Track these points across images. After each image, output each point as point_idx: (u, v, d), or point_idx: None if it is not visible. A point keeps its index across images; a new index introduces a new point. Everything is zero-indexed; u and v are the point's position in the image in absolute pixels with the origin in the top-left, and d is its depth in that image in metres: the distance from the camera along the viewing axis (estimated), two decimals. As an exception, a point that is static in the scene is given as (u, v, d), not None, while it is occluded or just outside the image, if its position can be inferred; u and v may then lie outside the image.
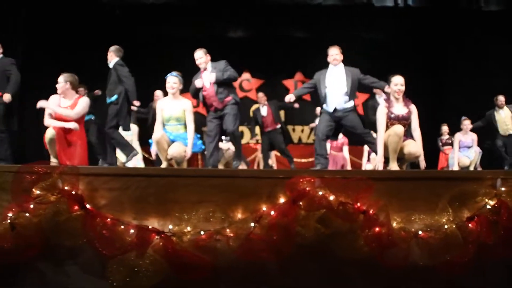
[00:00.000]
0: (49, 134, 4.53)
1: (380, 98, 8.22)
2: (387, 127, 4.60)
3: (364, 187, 3.15)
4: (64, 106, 4.78)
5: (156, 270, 3.02)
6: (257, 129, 8.99)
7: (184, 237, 3.01)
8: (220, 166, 7.11)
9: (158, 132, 4.83)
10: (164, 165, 4.86)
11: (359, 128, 5.49)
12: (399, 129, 4.45)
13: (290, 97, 5.57)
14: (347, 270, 3.29)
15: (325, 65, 5.62)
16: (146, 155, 8.20)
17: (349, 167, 8.45)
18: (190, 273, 3.06)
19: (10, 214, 3.14)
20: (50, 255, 3.28)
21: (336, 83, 5.48)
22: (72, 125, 4.67)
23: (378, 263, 3.18)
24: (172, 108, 4.91)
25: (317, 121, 8.25)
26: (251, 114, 11.79)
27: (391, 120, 4.61)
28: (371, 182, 3.18)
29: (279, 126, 8.33)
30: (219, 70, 5.56)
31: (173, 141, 4.82)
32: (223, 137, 5.81)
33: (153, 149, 5.01)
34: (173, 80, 4.93)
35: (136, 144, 7.51)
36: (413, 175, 3.66)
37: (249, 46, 10.95)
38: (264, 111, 8.29)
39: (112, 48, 6.02)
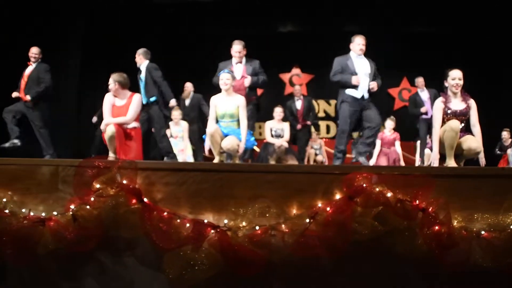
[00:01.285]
0: (109, 131, 4.70)
1: (422, 92, 8.13)
2: (443, 123, 4.44)
3: (423, 184, 3.04)
4: (119, 105, 4.95)
5: (211, 263, 3.04)
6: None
7: (239, 231, 3.01)
8: (272, 162, 7.12)
9: (211, 126, 4.88)
10: (216, 159, 4.90)
11: (376, 123, 5.53)
12: (455, 124, 4.29)
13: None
14: (404, 269, 3.19)
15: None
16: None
17: (402, 163, 8.28)
18: (244, 267, 3.06)
19: (72, 206, 3.25)
20: (108, 246, 3.37)
21: (363, 71, 5.57)
22: (133, 124, 4.90)
23: (438, 263, 3.06)
24: (226, 104, 4.93)
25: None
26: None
27: (448, 116, 4.44)
28: (431, 179, 3.07)
29: (308, 123, 8.35)
30: (254, 70, 5.76)
31: (226, 136, 4.85)
32: None
33: (206, 144, 5.07)
34: (226, 77, 4.94)
35: (186, 140, 7.68)
36: (476, 172, 3.49)
37: (299, 41, 10.87)
38: (299, 104, 8.28)
39: (141, 51, 6.34)
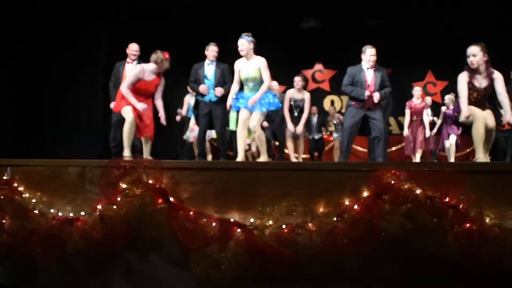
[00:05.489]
0: None
1: None
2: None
3: (454, 180, 2.96)
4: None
5: (238, 263, 3.02)
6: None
7: (266, 230, 2.99)
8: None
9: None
10: (240, 157, 4.84)
11: None
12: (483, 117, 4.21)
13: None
14: (433, 268, 3.10)
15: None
16: None
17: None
18: (271, 266, 3.03)
19: (99, 206, 3.29)
20: (135, 245, 3.39)
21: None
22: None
23: (469, 263, 2.97)
24: (248, 68, 5.07)
25: None
26: (324, 105, 11.64)
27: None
28: (462, 175, 2.97)
29: None
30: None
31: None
32: None
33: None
34: (241, 42, 5.04)
35: None
36: (509, 167, 3.38)
37: (321, 37, 10.76)
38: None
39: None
